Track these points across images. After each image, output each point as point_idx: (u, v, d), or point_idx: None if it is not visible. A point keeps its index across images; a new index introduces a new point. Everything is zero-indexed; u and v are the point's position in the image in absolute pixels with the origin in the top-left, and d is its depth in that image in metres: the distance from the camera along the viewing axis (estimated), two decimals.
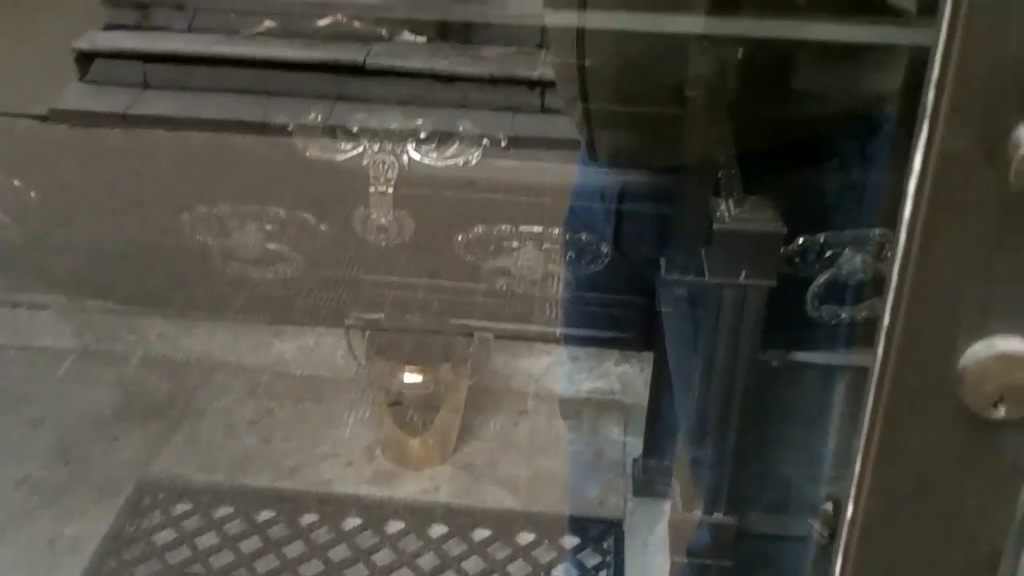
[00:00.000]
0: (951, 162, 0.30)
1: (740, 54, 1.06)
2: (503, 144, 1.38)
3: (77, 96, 4.09)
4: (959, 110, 0.29)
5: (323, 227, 1.48)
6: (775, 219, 0.88)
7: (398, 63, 3.80)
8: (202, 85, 3.99)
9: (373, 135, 1.46)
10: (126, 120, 3.92)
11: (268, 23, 3.56)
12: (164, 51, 4.05)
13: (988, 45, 0.28)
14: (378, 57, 3.84)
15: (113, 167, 3.56)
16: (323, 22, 3.62)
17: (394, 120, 1.46)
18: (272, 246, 1.53)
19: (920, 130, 0.30)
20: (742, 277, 0.88)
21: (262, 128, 3.72)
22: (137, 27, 4.25)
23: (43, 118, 4.00)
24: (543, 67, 3.57)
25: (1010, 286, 0.31)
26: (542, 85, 3.51)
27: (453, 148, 1.36)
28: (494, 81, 3.71)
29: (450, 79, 3.77)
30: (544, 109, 3.50)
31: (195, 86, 4.00)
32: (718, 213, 0.89)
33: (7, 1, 4.68)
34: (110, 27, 4.28)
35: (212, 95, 3.95)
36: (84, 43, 4.17)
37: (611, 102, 1.19)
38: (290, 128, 1.58)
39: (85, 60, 4.19)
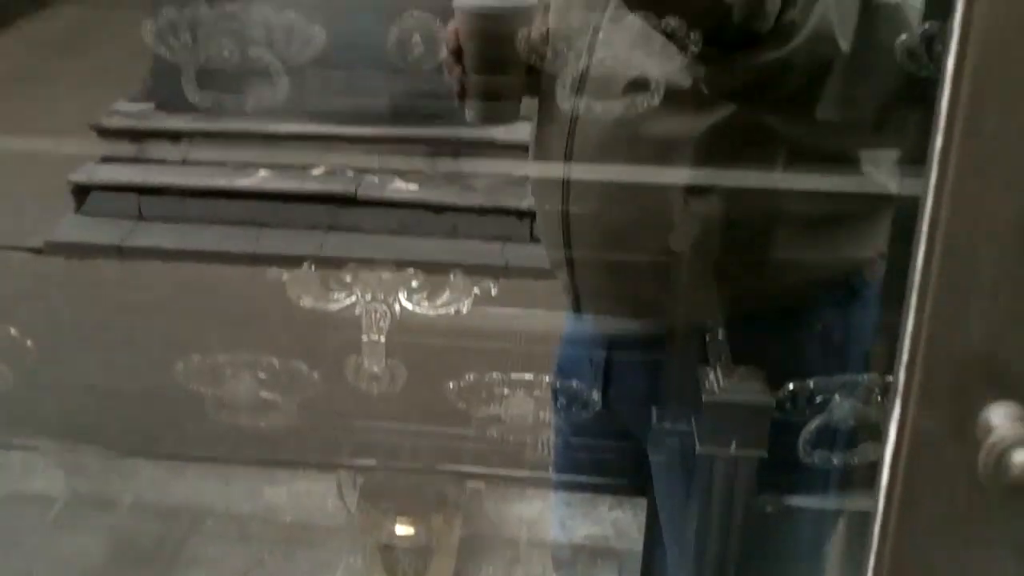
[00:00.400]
0: (923, 439, 0.31)
1: (722, 213, 1.09)
2: (493, 293, 1.40)
3: (72, 228, 4.14)
4: (929, 391, 0.31)
5: (315, 375, 1.49)
6: (763, 390, 0.89)
7: (389, 194, 3.87)
8: (196, 216, 4.05)
9: (365, 285, 1.48)
10: (121, 252, 3.96)
11: (263, 173, 3.64)
12: (159, 184, 4.12)
13: (954, 330, 0.30)
14: (369, 188, 3.91)
15: (107, 301, 3.58)
16: (316, 172, 3.71)
17: (386, 271, 1.48)
18: (265, 395, 1.54)
19: (892, 407, 0.32)
20: (732, 448, 0.89)
21: (254, 259, 3.76)
22: (133, 160, 4.33)
23: (38, 250, 4.04)
24: (531, 197, 3.63)
25: (985, 553, 0.32)
26: (531, 215, 3.57)
27: (444, 297, 1.38)
28: (483, 211, 3.78)
29: (440, 209, 3.83)
30: (533, 238, 3.55)
31: (189, 217, 4.06)
32: (707, 384, 0.91)
33: (3, 131, 4.78)
34: (106, 160, 4.36)
35: (205, 226, 4.01)
36: (80, 176, 4.24)
37: (594, 250, 1.22)
38: (284, 279, 1.60)
39: (81, 192, 4.26)
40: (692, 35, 0.79)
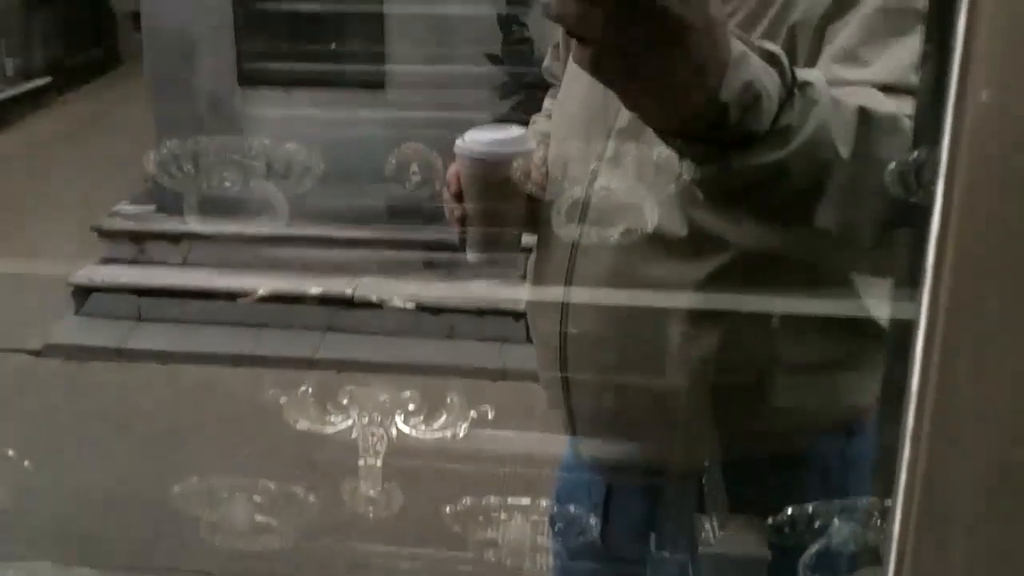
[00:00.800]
0: None
1: (721, 355, 1.10)
2: (490, 416, 1.41)
3: (72, 330, 4.16)
4: None
5: (312, 499, 1.49)
6: (760, 542, 0.89)
7: (386, 296, 3.90)
8: (195, 318, 4.07)
9: (362, 408, 1.48)
10: (120, 354, 3.97)
11: (262, 292, 3.68)
12: (158, 285, 4.15)
13: None
14: (366, 290, 3.94)
15: (105, 405, 3.58)
16: (314, 291, 3.74)
17: (383, 392, 1.49)
18: (261, 518, 1.54)
19: None
20: None
21: (252, 361, 3.77)
22: (133, 261, 4.37)
23: (37, 353, 4.05)
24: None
25: None
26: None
27: (441, 420, 1.39)
28: (481, 313, 3.80)
29: (437, 311, 3.86)
30: (531, 340, 3.57)
31: (188, 318, 4.08)
32: (703, 534, 0.91)
33: (7, 235, 4.83)
34: (107, 261, 4.40)
35: (204, 327, 4.03)
36: (81, 278, 4.27)
37: (590, 374, 1.23)
38: (281, 401, 1.61)
39: (81, 293, 4.29)
40: (687, 160, 0.79)
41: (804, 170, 0.78)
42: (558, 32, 1.37)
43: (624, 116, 1.12)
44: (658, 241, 1.08)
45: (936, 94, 0.44)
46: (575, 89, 1.22)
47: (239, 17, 4.24)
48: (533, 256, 1.32)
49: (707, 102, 0.72)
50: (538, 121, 1.40)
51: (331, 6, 4.06)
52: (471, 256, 1.24)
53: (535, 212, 1.24)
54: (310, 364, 3.68)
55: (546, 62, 1.42)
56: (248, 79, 4.28)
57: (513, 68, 4.00)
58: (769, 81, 0.75)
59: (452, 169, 1.19)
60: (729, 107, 0.73)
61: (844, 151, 0.79)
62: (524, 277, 1.35)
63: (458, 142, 1.18)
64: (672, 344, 1.12)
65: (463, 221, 1.22)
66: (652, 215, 1.07)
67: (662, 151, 1.04)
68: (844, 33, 0.98)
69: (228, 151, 1.25)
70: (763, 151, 0.76)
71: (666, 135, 0.78)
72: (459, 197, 1.19)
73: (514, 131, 1.18)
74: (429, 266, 4.01)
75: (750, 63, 0.74)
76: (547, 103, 1.43)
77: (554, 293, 1.24)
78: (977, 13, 0.36)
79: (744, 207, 0.88)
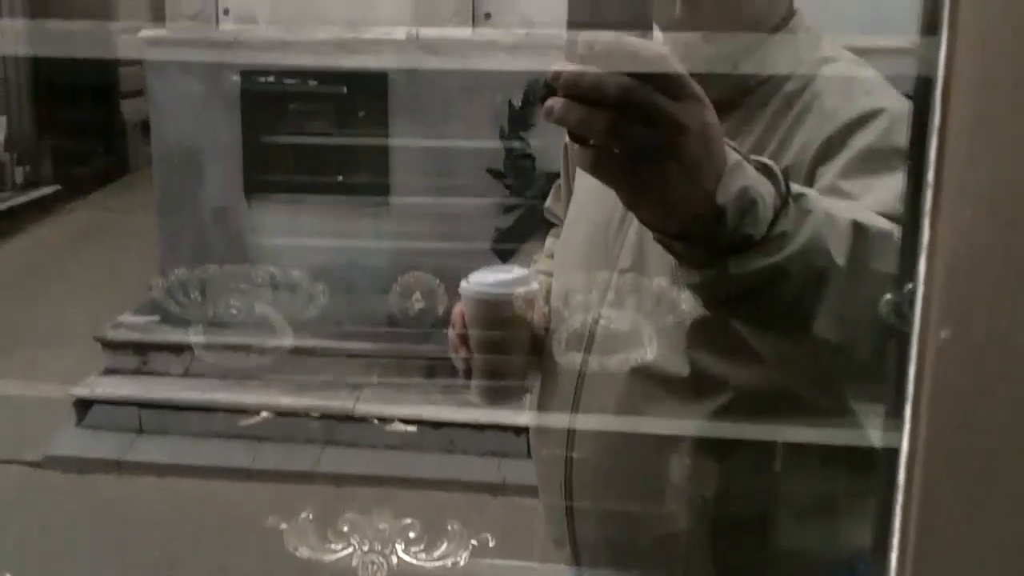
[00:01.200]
0: None
1: (724, 495, 1.11)
2: (491, 544, 1.40)
3: (72, 441, 4.14)
4: None
5: None
6: None
7: (386, 410, 3.90)
8: (195, 430, 4.07)
9: (362, 536, 1.48)
10: (120, 466, 3.95)
11: (265, 414, 3.69)
12: (160, 399, 4.15)
13: None
14: (367, 404, 3.94)
15: (102, 519, 3.55)
16: (315, 414, 3.76)
17: (383, 520, 1.49)
18: None
19: None
20: None
21: (249, 475, 3.76)
22: (136, 372, 4.37)
23: (36, 464, 4.02)
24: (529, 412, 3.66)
25: None
26: (528, 431, 3.58)
27: (442, 549, 1.38)
28: (481, 427, 3.80)
29: (437, 425, 3.86)
30: (531, 455, 3.56)
31: (188, 431, 4.08)
32: None
33: (9, 343, 4.84)
34: (109, 372, 4.41)
35: (204, 440, 4.02)
36: (83, 390, 4.27)
37: (596, 501, 1.23)
38: (281, 528, 1.61)
39: (83, 405, 4.28)
40: (686, 265, 0.80)
41: (800, 277, 0.79)
42: (559, 155, 1.42)
43: (627, 256, 1.15)
44: (660, 380, 1.10)
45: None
46: (579, 230, 1.25)
47: (247, 144, 4.32)
48: (536, 387, 1.33)
49: (705, 205, 0.74)
50: (540, 261, 1.44)
51: (337, 140, 4.16)
52: (475, 395, 1.26)
53: (539, 347, 1.26)
54: (310, 478, 3.66)
55: (548, 202, 1.46)
56: (255, 195, 4.35)
57: (515, 186, 4.07)
58: (764, 189, 0.77)
59: (457, 309, 1.22)
60: (726, 211, 0.74)
61: (840, 260, 0.79)
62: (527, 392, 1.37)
63: (463, 283, 1.21)
64: (675, 479, 1.14)
65: (468, 360, 1.24)
66: (652, 347, 1.10)
67: (662, 283, 1.07)
68: (831, 172, 1.01)
69: (235, 280, 1.28)
70: (759, 257, 0.77)
71: (665, 238, 0.79)
72: (464, 336, 1.22)
73: (516, 272, 1.21)
74: (431, 381, 4.02)
75: (746, 171, 0.76)
76: (548, 242, 1.47)
77: (559, 421, 1.26)
78: (934, 259, 0.39)
79: (743, 321, 0.87)
